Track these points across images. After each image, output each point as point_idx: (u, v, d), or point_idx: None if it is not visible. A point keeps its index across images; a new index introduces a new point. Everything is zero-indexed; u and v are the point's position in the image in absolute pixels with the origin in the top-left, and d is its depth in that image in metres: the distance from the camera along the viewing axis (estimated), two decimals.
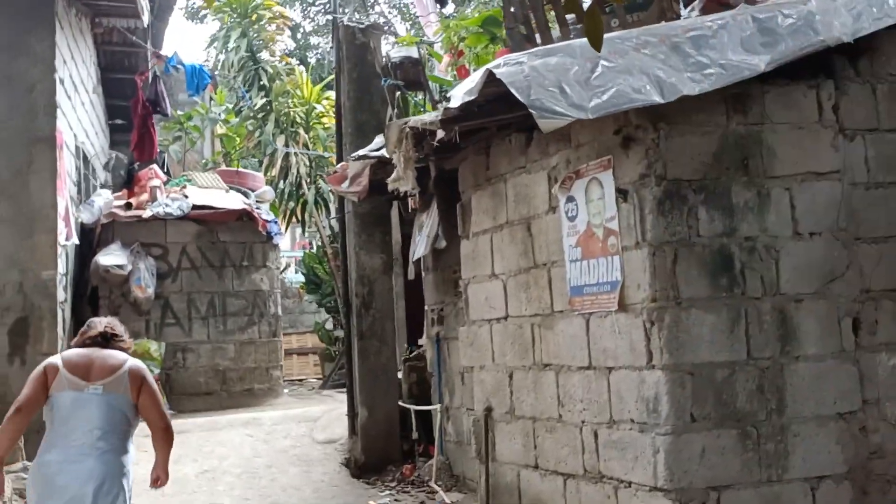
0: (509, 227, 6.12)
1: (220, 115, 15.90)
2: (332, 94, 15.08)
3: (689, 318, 4.83)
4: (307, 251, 16.61)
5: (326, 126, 14.77)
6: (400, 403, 8.71)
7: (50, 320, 8.99)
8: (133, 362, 4.90)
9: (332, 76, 16.21)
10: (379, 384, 8.64)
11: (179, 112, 15.59)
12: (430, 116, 6.01)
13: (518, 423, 6.06)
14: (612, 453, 5.15)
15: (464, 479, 7.80)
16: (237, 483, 7.80)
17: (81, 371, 4.75)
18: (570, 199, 5.45)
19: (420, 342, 9.49)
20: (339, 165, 8.11)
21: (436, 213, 7.35)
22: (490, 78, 4.82)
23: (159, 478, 5.11)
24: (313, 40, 24.75)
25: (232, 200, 11.59)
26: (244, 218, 11.43)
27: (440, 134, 5.78)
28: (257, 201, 11.89)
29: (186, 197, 11.29)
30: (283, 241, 30.15)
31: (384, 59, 8.40)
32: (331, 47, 11.05)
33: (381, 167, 7.46)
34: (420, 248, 7.64)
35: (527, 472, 5.97)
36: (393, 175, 6.30)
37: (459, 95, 5.16)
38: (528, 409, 5.96)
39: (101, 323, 5.03)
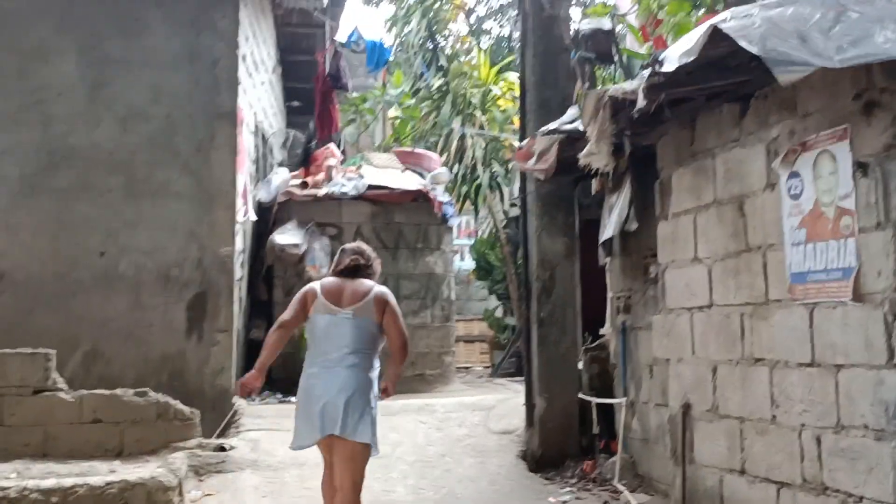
0: (717, 207, 5.55)
1: (396, 97, 15.76)
2: (508, 75, 14.78)
3: None
4: (479, 237, 16.28)
5: (502, 108, 14.40)
6: (580, 395, 8.23)
7: (227, 297, 8.98)
8: (378, 289, 5.56)
9: (508, 59, 15.95)
10: (558, 374, 8.19)
11: (355, 94, 15.54)
12: (630, 85, 5.50)
13: (722, 423, 5.50)
14: (839, 463, 4.53)
15: (650, 479, 7.26)
16: (410, 472, 7.52)
17: (335, 297, 5.49)
18: (794, 175, 4.84)
19: (601, 331, 9.00)
20: (525, 141, 7.68)
21: (627, 193, 6.82)
22: (713, 35, 4.28)
23: (387, 389, 5.62)
24: (486, 25, 24.40)
25: (407, 181, 11.36)
26: (419, 199, 11.18)
27: (641, 103, 5.26)
28: (433, 182, 11.62)
29: (362, 177, 11.13)
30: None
31: (573, 32, 7.91)
32: (511, 25, 10.65)
33: (570, 144, 6.98)
34: (609, 229, 7.13)
35: (731, 477, 5.40)
36: (586, 149, 5.82)
37: (675, 57, 4.64)
38: (734, 407, 5.38)
39: (349, 254, 5.74)
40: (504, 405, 9.12)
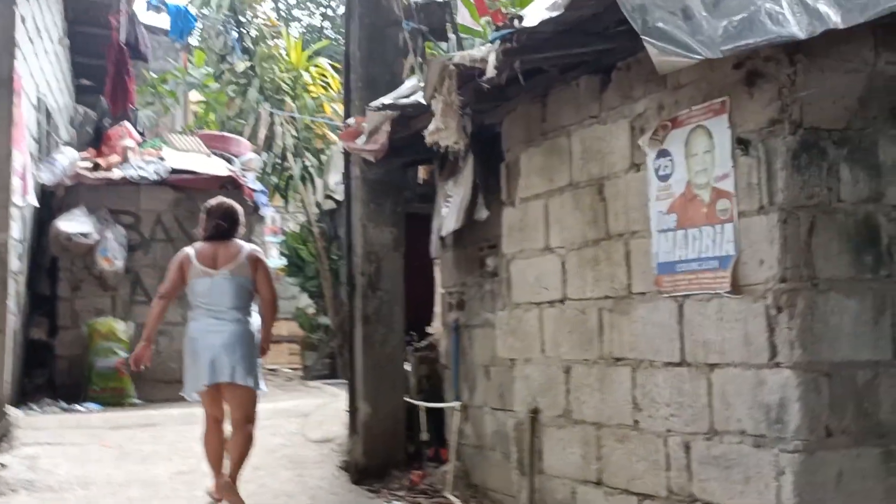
0: (573, 191, 5.03)
1: (198, 79, 14.65)
2: (321, 61, 14.01)
3: (827, 304, 3.78)
4: (290, 231, 15.41)
5: (314, 95, 13.62)
6: (408, 400, 7.61)
7: (0, 292, 7.78)
8: (249, 248, 6.29)
9: (321, 44, 15.17)
10: (385, 377, 7.52)
11: (153, 75, 14.35)
12: (479, 52, 4.90)
13: (576, 429, 4.99)
14: (712, 472, 4.09)
15: (484, 489, 6.71)
16: None
17: (210, 261, 6.14)
18: (663, 154, 4.37)
19: (429, 330, 8.42)
20: (353, 119, 6.97)
21: (470, 179, 6.24)
22: None
23: (263, 349, 6.30)
24: (296, 12, 23.49)
25: (215, 166, 10.39)
26: (228, 186, 10.22)
27: (491, 72, 4.67)
28: (242, 168, 10.71)
29: (163, 160, 10.08)
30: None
31: (405, 2, 7.26)
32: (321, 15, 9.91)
33: (403, 123, 6.35)
34: (450, 220, 6.52)
35: (586, 489, 4.90)
36: (431, 125, 5.18)
37: (537, 14, 4.07)
38: (590, 412, 4.88)
39: (214, 217, 6.26)
40: (322, 411, 8.38)
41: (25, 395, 9.22)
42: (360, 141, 6.52)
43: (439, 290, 7.75)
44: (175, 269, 6.21)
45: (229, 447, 6.19)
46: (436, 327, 7.94)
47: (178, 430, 7.74)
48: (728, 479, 4.00)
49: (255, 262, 6.20)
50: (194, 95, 16.06)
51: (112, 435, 7.57)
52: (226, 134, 11.72)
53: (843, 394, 3.77)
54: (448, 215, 6.51)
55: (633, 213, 4.58)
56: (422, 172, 8.54)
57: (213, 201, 6.43)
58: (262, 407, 8.50)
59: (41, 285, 9.69)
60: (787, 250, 3.76)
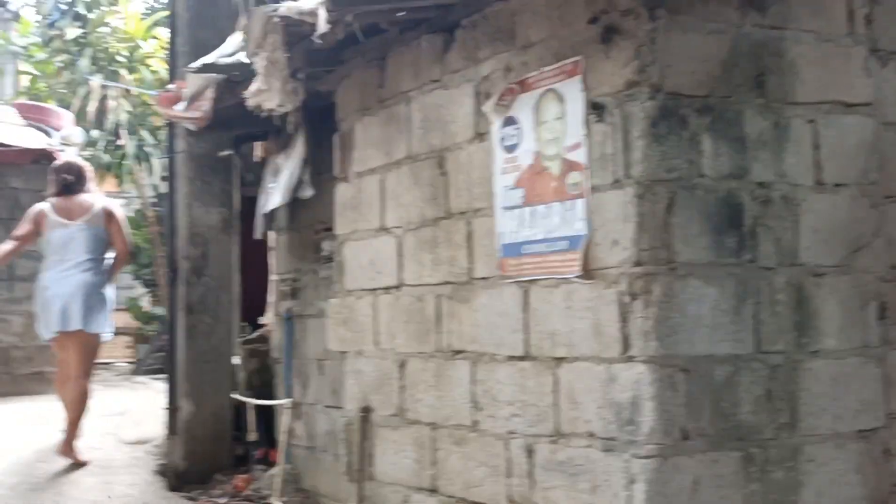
0: (411, 164, 4.50)
1: (23, 47, 13.46)
2: (162, 33, 13.07)
3: (685, 291, 3.37)
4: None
5: (154, 69, 12.68)
6: (235, 396, 6.94)
7: None
8: (103, 201, 6.83)
9: (162, 14, 14.18)
10: (209, 371, 6.84)
11: None
12: (308, 3, 4.30)
13: (410, 430, 4.47)
14: (557, 479, 3.63)
15: (316, 495, 6.13)
16: (10, 499, 5.84)
17: (66, 213, 6.63)
18: (510, 122, 3.89)
19: (261, 320, 7.76)
20: (173, 84, 6.25)
21: (300, 153, 5.64)
22: None
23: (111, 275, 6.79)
24: None
25: (28, 138, 9.40)
26: (42, 161, 9.23)
27: (322, 26, 4.09)
28: (62, 143, 9.73)
29: None
30: None
31: None
32: None
33: (230, 91, 5.70)
34: (275, 197, 5.90)
35: (421, 497, 4.38)
36: (253, 85, 4.56)
37: None
38: (425, 411, 4.37)
39: (60, 173, 6.84)
40: (141, 408, 7.61)
41: None
42: (180, 108, 5.82)
43: (273, 277, 7.11)
44: (30, 221, 6.71)
45: (65, 401, 6.59)
46: (269, 318, 7.29)
47: None
48: (574, 488, 3.55)
49: (109, 214, 6.72)
50: (23, 65, 14.83)
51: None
52: (43, 105, 10.68)
53: (701, 391, 3.37)
54: (272, 192, 5.88)
55: (476, 189, 4.08)
56: (258, 151, 7.87)
57: (58, 161, 7.13)
58: None
59: None
60: (643, 230, 3.33)
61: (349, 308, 4.98)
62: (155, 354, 11.58)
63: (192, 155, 6.93)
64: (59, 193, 6.75)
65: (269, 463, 6.76)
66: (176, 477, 6.65)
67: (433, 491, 4.29)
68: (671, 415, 3.29)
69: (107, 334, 6.78)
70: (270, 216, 6.38)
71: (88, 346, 6.60)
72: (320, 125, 5.58)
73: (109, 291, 6.78)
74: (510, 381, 3.87)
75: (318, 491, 6.11)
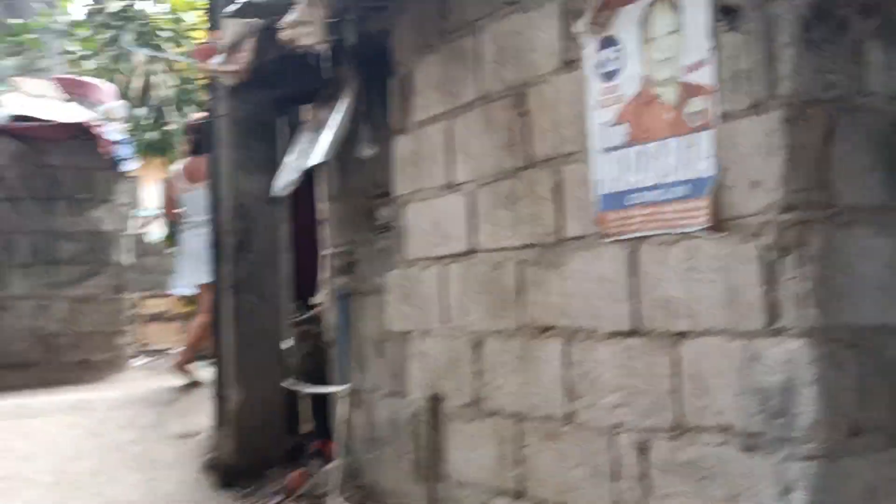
0: (483, 107, 3.77)
1: (68, 26, 12.97)
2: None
3: (850, 244, 2.61)
4: None
5: (197, 41, 12.10)
6: (286, 384, 6.30)
7: None
8: None
9: None
10: (258, 357, 6.19)
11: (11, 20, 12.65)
12: None
13: (489, 423, 3.76)
14: (680, 483, 2.90)
15: (380, 492, 5.45)
16: (45, 498, 5.27)
17: (190, 175, 7.30)
18: (608, 44, 3.14)
19: (313, 300, 7.12)
20: (208, 35, 5.60)
21: (351, 104, 4.94)
22: None
23: None
24: None
25: (66, 112, 8.83)
26: (81, 136, 8.68)
27: None
28: (105, 118, 9.15)
29: (2, 106, 8.48)
30: (150, 193, 27.17)
31: None
32: None
33: (271, 41, 5.02)
34: (316, 153, 5.16)
35: (504, 501, 3.67)
36: (292, 16, 3.87)
37: None
38: (507, 400, 3.65)
39: (192, 132, 7.57)
40: (188, 399, 7.00)
41: None
42: (218, 60, 5.15)
43: (325, 252, 6.45)
44: (166, 188, 7.73)
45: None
46: (322, 296, 6.64)
47: (3, 427, 6.29)
48: (704, 496, 2.82)
49: None
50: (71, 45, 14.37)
51: None
52: (85, 79, 10.13)
53: (874, 373, 2.62)
54: (314, 148, 5.17)
55: (565, 130, 3.34)
56: (305, 114, 7.22)
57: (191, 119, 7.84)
58: (114, 395, 7.16)
59: None
60: (794, 165, 2.57)
61: (412, 281, 4.27)
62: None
63: (234, 119, 6.27)
64: (191, 153, 7.32)
65: (326, 456, 6.11)
66: (225, 473, 6.04)
67: (520, 495, 3.58)
68: (837, 403, 2.55)
69: None
70: (309, 178, 5.70)
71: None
72: (374, 74, 4.88)
73: None
74: (614, 363, 3.14)
75: (381, 488, 5.44)
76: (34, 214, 8.55)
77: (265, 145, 6.35)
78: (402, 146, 4.35)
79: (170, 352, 14.96)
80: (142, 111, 11.73)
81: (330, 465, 5.84)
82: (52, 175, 8.63)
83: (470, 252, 3.86)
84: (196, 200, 7.09)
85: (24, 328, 8.40)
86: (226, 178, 6.28)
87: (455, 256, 3.95)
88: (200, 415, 6.50)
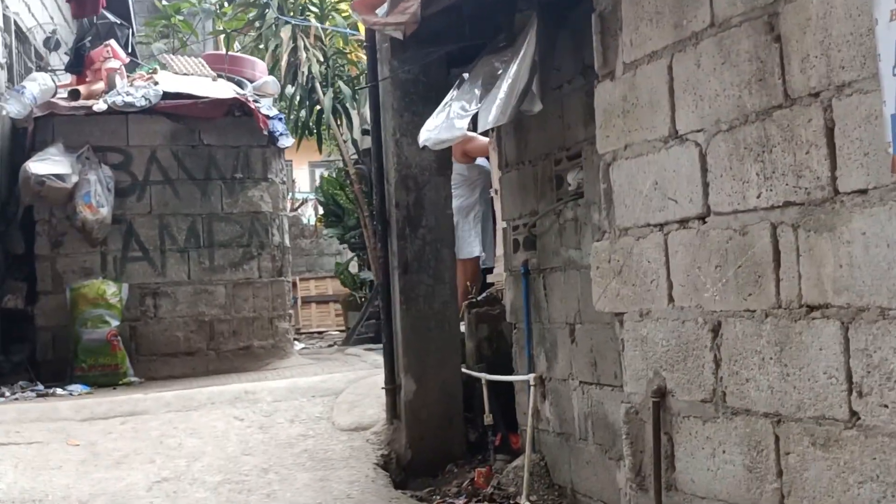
0: (717, 36, 3.06)
1: (215, 5, 12.78)
2: None
3: None
4: (326, 176, 13.59)
5: (346, 14, 11.67)
6: (464, 370, 5.76)
7: None
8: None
9: None
10: (432, 342, 5.70)
11: (164, 2, 12.53)
12: None
13: (735, 423, 3.06)
14: None
15: (573, 493, 4.86)
16: (211, 502, 4.88)
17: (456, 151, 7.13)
18: None
19: (490, 278, 6.56)
20: None
21: (531, 53, 4.30)
22: None
23: None
24: None
25: (219, 89, 8.52)
26: (236, 113, 8.36)
27: None
28: (256, 94, 8.82)
29: (156, 84, 8.22)
30: (300, 176, 27.28)
31: None
32: None
33: None
34: (493, 111, 4.55)
35: None
36: None
37: None
38: (760, 396, 2.95)
39: None
40: (356, 388, 6.54)
41: (3, 377, 7.54)
42: (382, 12, 4.60)
43: (500, 225, 5.86)
44: None
45: None
46: (498, 274, 6.05)
47: (167, 421, 5.98)
48: None
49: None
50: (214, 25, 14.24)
51: (83, 429, 5.85)
52: (235, 54, 9.83)
53: None
54: (489, 107, 4.54)
55: (837, 52, 2.60)
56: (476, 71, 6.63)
57: None
58: (279, 385, 6.79)
59: (14, 242, 7.96)
60: None
61: (624, 253, 3.60)
62: (366, 322, 10.64)
63: (397, 82, 5.76)
64: None
65: (511, 451, 5.56)
66: (401, 470, 5.57)
67: None
68: None
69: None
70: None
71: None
72: (554, 16, 4.24)
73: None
74: None
75: (577, 489, 4.83)
76: (191, 196, 8.28)
77: (432, 108, 5.78)
78: (605, 94, 3.67)
79: (328, 334, 14.81)
80: (291, 90, 11.38)
81: (516, 462, 5.28)
82: (208, 154, 8.35)
83: (702, 216, 3.16)
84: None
85: (185, 315, 8.16)
86: (390, 146, 5.78)
87: (682, 222, 3.26)
88: (372, 406, 6.04)
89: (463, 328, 6.00)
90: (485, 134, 6.68)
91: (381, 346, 6.21)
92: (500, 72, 4.57)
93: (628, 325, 3.60)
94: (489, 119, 4.63)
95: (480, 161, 7.37)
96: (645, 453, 3.50)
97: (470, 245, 7.35)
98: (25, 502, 4.82)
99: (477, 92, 4.86)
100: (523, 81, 4.40)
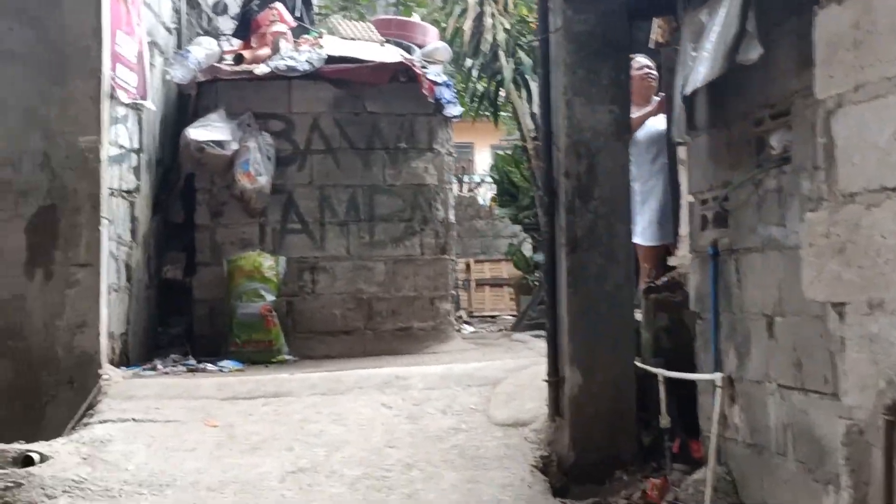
0: None
1: None
2: None
3: None
4: (501, 153, 13.03)
5: None
6: (638, 364, 5.04)
7: (90, 213, 5.89)
8: None
9: None
10: (603, 331, 5.00)
11: None
12: None
13: None
14: None
15: None
16: (348, 499, 4.37)
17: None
18: None
19: (671, 260, 5.81)
20: None
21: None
22: None
23: None
24: None
25: (384, 53, 8.04)
26: (402, 78, 7.86)
27: None
28: (425, 60, 8.31)
29: (321, 48, 7.82)
30: (481, 159, 26.93)
31: None
32: None
33: None
34: (701, 69, 3.85)
35: None
36: None
37: None
38: None
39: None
40: (517, 377, 5.91)
41: (160, 349, 7.36)
42: None
43: (685, 198, 5.09)
44: None
45: None
46: (681, 255, 5.29)
47: (311, 404, 5.53)
48: None
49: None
50: None
51: (223, 409, 5.49)
52: (405, 19, 9.35)
53: None
54: (697, 63, 3.81)
55: None
56: (656, 32, 5.87)
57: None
58: (432, 371, 6.26)
59: (174, 211, 7.76)
60: None
61: (849, 225, 2.80)
62: (537, 307, 10.01)
63: (571, 34, 5.07)
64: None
65: (690, 460, 4.80)
66: (562, 474, 4.91)
67: None
68: None
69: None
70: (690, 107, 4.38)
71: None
72: None
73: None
74: None
75: None
76: (352, 166, 7.87)
77: (611, 67, 5.10)
78: (832, 21, 2.87)
79: (501, 318, 14.30)
80: (469, 63, 10.84)
81: (697, 473, 4.53)
82: (371, 122, 7.90)
83: None
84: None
85: (343, 292, 7.76)
86: (560, 107, 5.10)
87: None
88: (532, 399, 5.40)
89: (638, 316, 5.28)
90: None
91: (546, 335, 5.58)
92: (704, 28, 3.86)
93: (852, 318, 2.80)
94: (699, 78, 3.98)
95: (646, 129, 6.42)
96: (871, 485, 2.70)
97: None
98: (153, 486, 4.48)
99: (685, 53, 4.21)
100: (734, 26, 3.67)
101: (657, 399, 4.94)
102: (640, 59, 6.36)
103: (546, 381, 5.16)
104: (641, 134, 6.23)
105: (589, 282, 5.00)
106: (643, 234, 6.18)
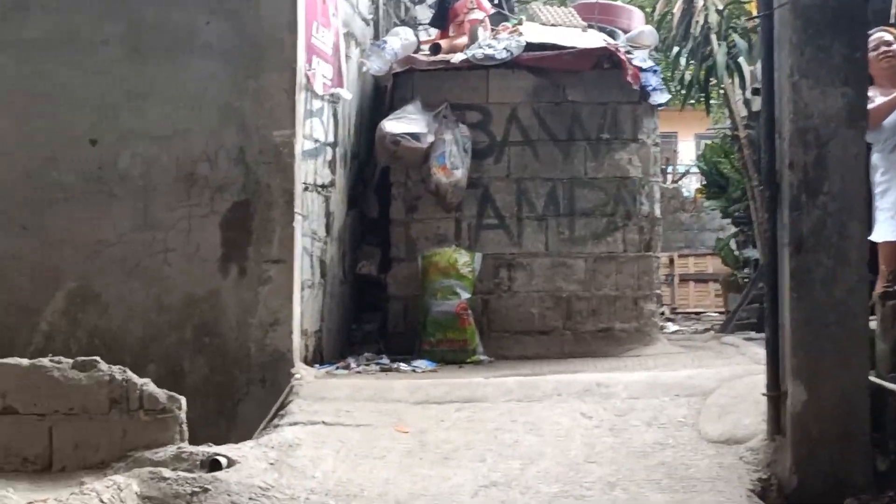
0: None
1: None
2: None
3: None
4: (708, 142, 12.32)
5: None
6: (873, 379, 4.45)
7: (283, 208, 5.83)
8: None
9: None
10: (830, 340, 4.42)
11: None
12: None
13: None
14: None
15: None
16: None
17: None
18: None
19: None
20: None
21: None
22: None
23: None
24: None
25: (586, 39, 7.63)
26: (604, 65, 7.43)
27: None
28: (630, 45, 7.84)
29: (520, 35, 7.50)
30: (685, 148, 25.95)
31: None
32: None
33: None
34: None
35: None
36: None
37: None
38: None
39: None
40: (730, 388, 5.38)
41: (353, 346, 7.29)
42: None
43: None
44: None
45: None
46: None
47: (505, 411, 5.22)
48: None
49: None
50: None
51: (414, 413, 5.26)
52: (610, 3, 8.87)
53: None
54: None
55: None
56: None
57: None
58: (637, 378, 5.83)
59: (369, 205, 7.66)
60: None
61: None
62: (747, 306, 9.33)
63: (798, 8, 4.51)
64: None
65: None
66: (783, 499, 4.40)
67: None
68: None
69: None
70: None
71: None
72: None
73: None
74: None
75: None
76: (551, 159, 7.52)
77: (844, 44, 4.51)
78: None
79: (706, 315, 13.60)
80: (675, 51, 10.24)
81: None
82: (572, 112, 7.52)
83: None
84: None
85: (541, 290, 7.43)
86: (785, 90, 4.55)
87: None
88: (748, 414, 4.88)
89: (873, 324, 4.68)
90: None
91: (763, 336, 5.05)
92: None
93: None
94: None
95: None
96: None
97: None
98: (339, 496, 4.29)
99: None
100: None
101: (895, 419, 4.36)
102: (882, 34, 5.71)
103: (765, 394, 4.64)
104: (889, 121, 5.59)
105: (815, 286, 4.44)
106: (881, 230, 5.54)
